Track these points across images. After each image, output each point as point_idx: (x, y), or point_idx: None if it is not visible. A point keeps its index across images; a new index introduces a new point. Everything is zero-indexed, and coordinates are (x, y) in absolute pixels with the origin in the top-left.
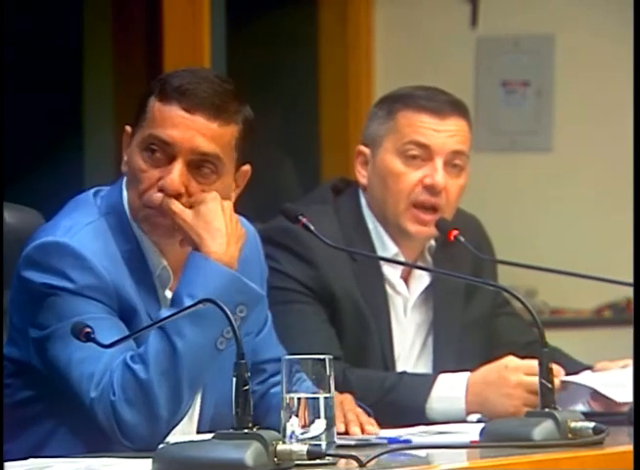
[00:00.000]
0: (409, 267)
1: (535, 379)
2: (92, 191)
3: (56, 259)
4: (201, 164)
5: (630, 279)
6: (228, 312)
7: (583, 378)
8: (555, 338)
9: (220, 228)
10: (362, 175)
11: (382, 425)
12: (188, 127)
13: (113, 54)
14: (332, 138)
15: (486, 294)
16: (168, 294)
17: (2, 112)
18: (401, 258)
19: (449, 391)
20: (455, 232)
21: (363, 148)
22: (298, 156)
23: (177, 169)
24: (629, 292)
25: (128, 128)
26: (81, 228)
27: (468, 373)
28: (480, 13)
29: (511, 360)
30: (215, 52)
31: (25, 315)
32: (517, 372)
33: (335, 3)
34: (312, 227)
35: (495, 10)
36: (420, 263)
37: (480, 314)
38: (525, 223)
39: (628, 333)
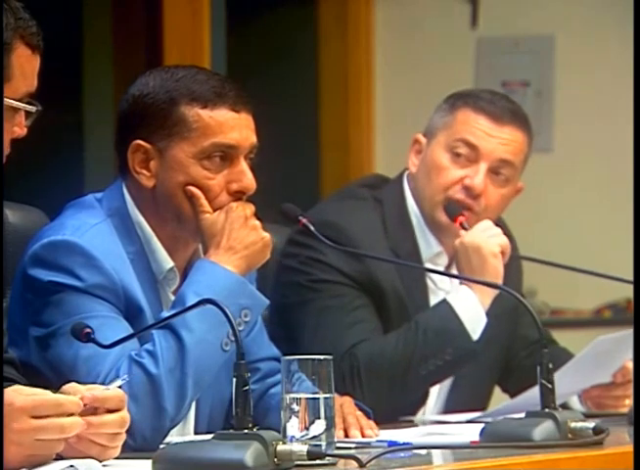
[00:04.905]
0: (421, 266)
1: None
2: (91, 195)
3: (65, 258)
4: (249, 157)
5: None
6: (227, 312)
7: (568, 385)
8: (555, 338)
9: (216, 239)
10: (413, 163)
11: (382, 423)
12: (242, 126)
13: (113, 53)
14: (332, 137)
15: (514, 287)
16: (172, 296)
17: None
18: (444, 257)
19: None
20: (461, 218)
21: (420, 137)
22: (298, 155)
23: (246, 167)
24: (629, 292)
25: (144, 143)
26: (89, 228)
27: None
28: (480, 13)
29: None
30: (215, 52)
31: (28, 314)
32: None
33: (334, 3)
34: (312, 227)
35: (495, 10)
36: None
37: (508, 305)
38: (524, 223)
39: (628, 335)
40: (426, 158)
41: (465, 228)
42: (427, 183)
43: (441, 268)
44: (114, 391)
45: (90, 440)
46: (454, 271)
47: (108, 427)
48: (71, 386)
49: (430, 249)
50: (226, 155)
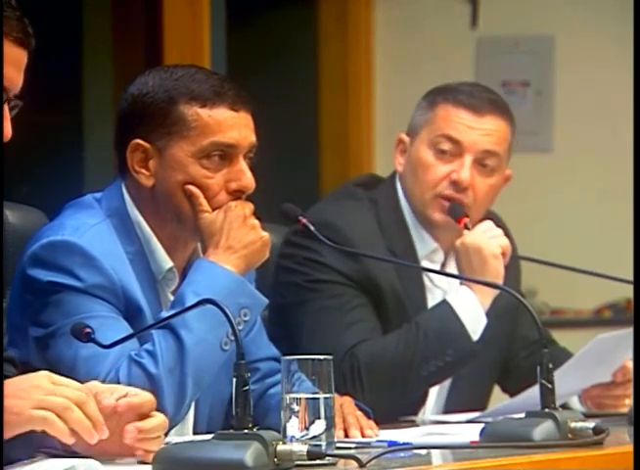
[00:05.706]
0: (419, 266)
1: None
2: (90, 195)
3: (64, 258)
4: (248, 156)
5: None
6: (227, 311)
7: (569, 385)
8: (555, 338)
9: (215, 239)
10: (400, 163)
11: (382, 423)
12: (241, 126)
13: (112, 53)
14: (332, 138)
15: (513, 286)
16: (171, 296)
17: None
18: (440, 253)
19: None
20: (465, 220)
21: (404, 136)
22: (298, 156)
23: (245, 166)
24: (629, 292)
25: (143, 143)
26: (88, 229)
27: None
28: (480, 13)
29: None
30: (215, 52)
31: (27, 314)
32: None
33: (334, 3)
34: (312, 227)
35: (495, 10)
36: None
37: (508, 305)
38: (524, 223)
39: (628, 333)
40: (410, 156)
41: (469, 229)
42: (415, 182)
43: (438, 265)
44: (143, 395)
45: (136, 446)
46: (451, 268)
47: (155, 431)
48: (94, 384)
49: (425, 246)
50: (225, 154)
